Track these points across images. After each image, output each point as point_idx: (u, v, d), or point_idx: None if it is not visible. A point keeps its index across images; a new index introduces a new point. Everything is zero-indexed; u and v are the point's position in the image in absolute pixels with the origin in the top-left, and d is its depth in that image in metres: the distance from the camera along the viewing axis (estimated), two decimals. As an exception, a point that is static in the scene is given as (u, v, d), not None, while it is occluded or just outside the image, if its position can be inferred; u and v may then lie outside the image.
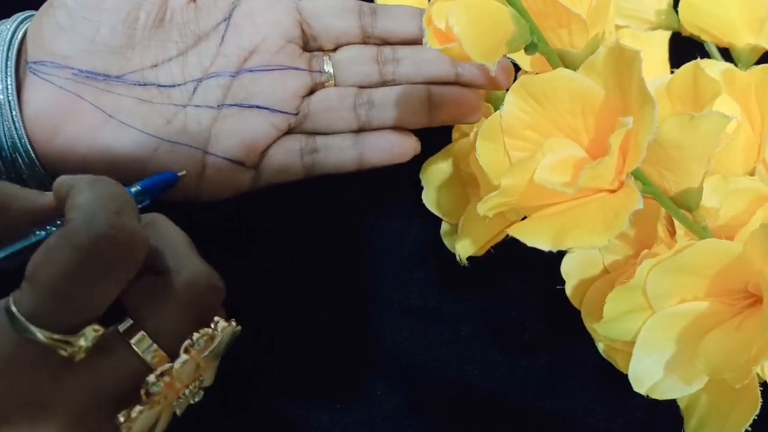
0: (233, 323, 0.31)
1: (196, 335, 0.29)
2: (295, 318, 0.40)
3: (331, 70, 0.40)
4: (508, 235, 0.32)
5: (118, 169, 0.37)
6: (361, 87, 0.40)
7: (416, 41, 0.40)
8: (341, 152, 0.39)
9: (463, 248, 0.40)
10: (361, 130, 0.40)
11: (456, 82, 0.40)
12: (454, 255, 0.40)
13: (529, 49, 0.34)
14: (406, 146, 0.39)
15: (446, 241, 0.43)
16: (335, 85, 0.40)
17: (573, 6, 0.36)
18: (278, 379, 0.40)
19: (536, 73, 0.33)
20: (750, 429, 0.32)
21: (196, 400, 0.31)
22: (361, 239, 0.43)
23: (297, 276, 0.43)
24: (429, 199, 0.43)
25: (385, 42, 0.40)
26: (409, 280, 0.43)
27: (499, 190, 0.32)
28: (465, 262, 0.40)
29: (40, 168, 0.37)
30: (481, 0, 0.31)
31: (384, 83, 0.40)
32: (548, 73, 0.33)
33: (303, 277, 0.43)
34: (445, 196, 0.42)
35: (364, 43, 0.40)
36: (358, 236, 0.41)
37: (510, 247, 0.35)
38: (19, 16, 0.38)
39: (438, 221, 0.43)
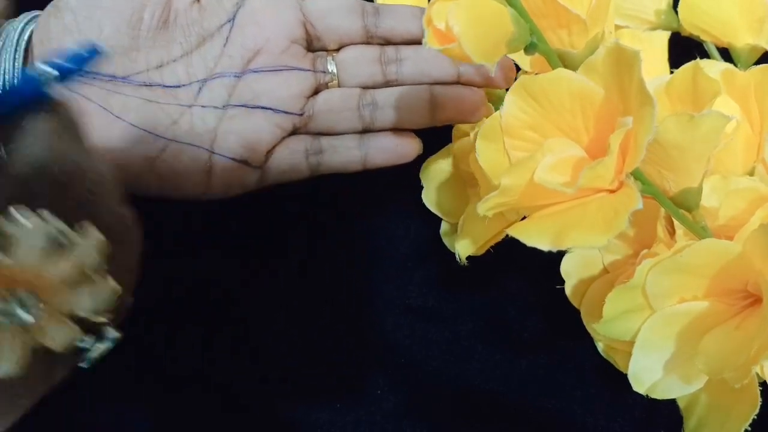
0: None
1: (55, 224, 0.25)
2: (295, 317, 0.40)
3: (335, 70, 0.40)
4: (507, 235, 0.32)
5: (126, 169, 0.37)
6: (365, 87, 0.40)
7: (419, 41, 0.40)
8: (346, 153, 0.40)
9: (463, 248, 0.40)
10: (365, 130, 0.40)
11: (458, 82, 0.40)
12: (453, 254, 0.40)
13: (529, 49, 0.34)
14: (409, 147, 0.40)
15: (446, 241, 0.43)
16: (339, 86, 0.40)
17: (573, 6, 0.36)
18: (278, 378, 0.40)
19: (536, 74, 0.33)
20: (750, 429, 0.32)
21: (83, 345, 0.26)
22: (361, 239, 0.43)
23: (297, 275, 0.43)
24: (429, 198, 0.43)
25: (388, 42, 0.40)
26: (409, 280, 0.43)
27: (499, 189, 0.32)
28: (465, 261, 0.40)
29: None
30: (481, 0, 0.31)
31: (387, 83, 0.40)
32: (548, 74, 0.33)
33: (303, 277, 0.43)
34: (444, 195, 0.42)
35: (368, 43, 0.41)
36: (358, 236, 0.41)
37: (510, 247, 0.35)
38: (27, 17, 0.38)
39: (438, 221, 0.43)
